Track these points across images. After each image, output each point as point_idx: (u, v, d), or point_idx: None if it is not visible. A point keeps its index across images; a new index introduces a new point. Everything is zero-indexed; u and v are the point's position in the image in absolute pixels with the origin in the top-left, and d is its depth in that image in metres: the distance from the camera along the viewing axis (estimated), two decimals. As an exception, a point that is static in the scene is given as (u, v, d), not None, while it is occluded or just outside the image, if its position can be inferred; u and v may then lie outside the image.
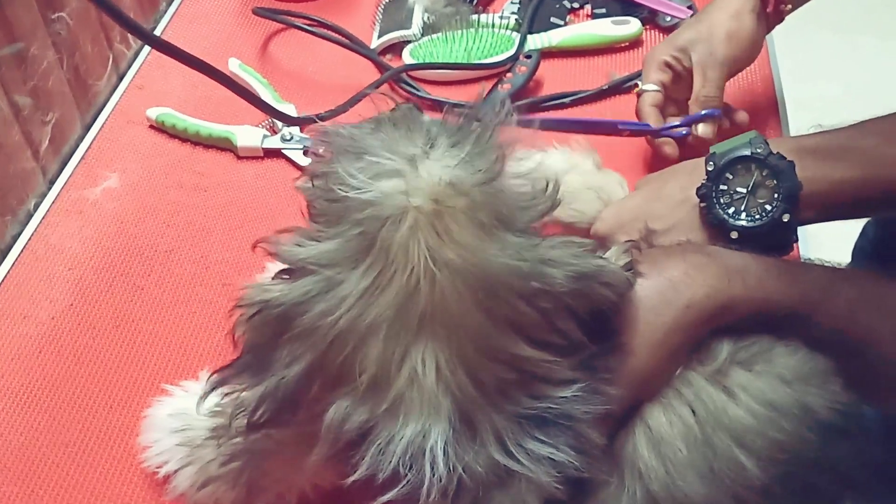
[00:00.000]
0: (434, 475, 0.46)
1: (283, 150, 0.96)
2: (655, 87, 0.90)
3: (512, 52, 1.06)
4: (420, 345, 0.47)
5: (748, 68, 0.91)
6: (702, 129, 0.87)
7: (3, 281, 0.85)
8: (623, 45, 1.10)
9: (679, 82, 0.90)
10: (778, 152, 0.67)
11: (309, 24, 1.10)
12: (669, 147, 0.88)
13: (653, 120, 0.89)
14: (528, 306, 0.48)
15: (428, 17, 1.12)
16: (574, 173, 0.80)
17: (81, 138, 1.00)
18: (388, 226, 0.46)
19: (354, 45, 1.09)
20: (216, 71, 0.83)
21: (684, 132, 0.88)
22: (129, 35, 1.10)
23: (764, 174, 0.68)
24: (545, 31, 1.10)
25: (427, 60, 1.07)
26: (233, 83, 0.85)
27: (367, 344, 0.46)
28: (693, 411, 0.55)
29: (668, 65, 0.90)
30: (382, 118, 0.54)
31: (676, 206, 0.72)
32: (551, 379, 0.49)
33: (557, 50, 1.09)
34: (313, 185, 0.52)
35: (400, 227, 0.46)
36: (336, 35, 1.10)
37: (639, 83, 0.93)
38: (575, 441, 0.49)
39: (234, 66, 1.05)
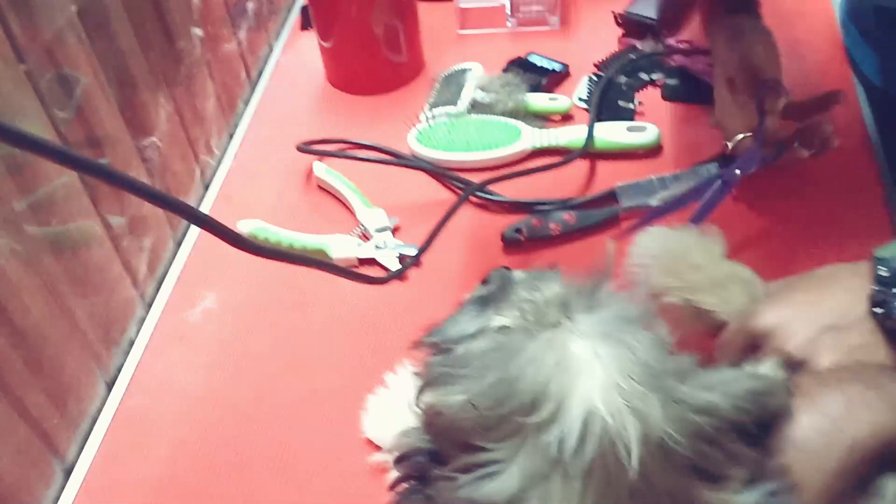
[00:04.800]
0: None
1: (377, 259, 0.95)
2: (743, 135, 0.90)
3: (518, 143, 1.05)
4: None
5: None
6: (770, 98, 0.86)
7: (113, 418, 0.85)
8: (638, 152, 1.04)
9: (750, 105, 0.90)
10: None
11: (350, 149, 1.09)
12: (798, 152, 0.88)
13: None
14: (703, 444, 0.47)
15: (483, 97, 1.11)
16: (710, 259, 0.75)
17: (174, 256, 1.00)
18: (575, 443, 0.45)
19: (399, 161, 1.06)
20: (263, 248, 0.69)
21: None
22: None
23: None
24: (614, 118, 1.07)
25: (428, 146, 1.06)
26: (303, 259, 0.75)
27: None
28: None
29: (733, 109, 0.91)
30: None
31: (850, 306, 0.66)
32: None
33: (564, 149, 1.04)
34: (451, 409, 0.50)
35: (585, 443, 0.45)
36: (380, 154, 1.08)
37: (727, 143, 0.92)
38: None
39: (320, 171, 1.05)
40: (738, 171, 0.85)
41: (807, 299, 0.69)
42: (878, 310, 0.64)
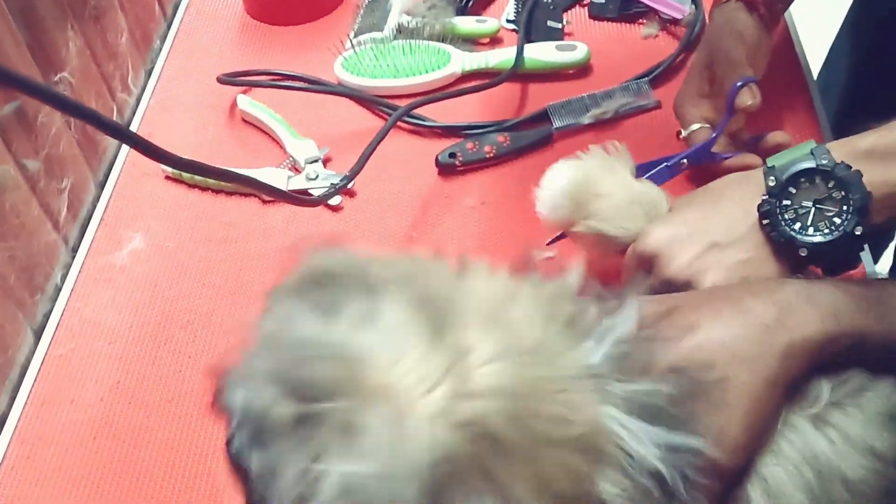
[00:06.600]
0: None
1: (309, 191, 0.93)
2: (699, 125, 0.86)
3: (447, 67, 1.03)
4: None
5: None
6: (744, 98, 0.80)
7: (42, 364, 0.82)
8: (568, 71, 1.04)
9: (718, 98, 0.86)
10: (842, 162, 0.63)
11: (275, 80, 1.06)
12: (750, 158, 0.83)
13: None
14: None
15: (409, 21, 1.08)
16: (615, 184, 0.75)
17: (97, 198, 0.96)
18: None
19: (326, 88, 1.04)
20: (207, 167, 0.65)
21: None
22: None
23: (830, 186, 0.64)
24: (542, 38, 1.05)
25: (355, 73, 1.04)
26: (229, 174, 0.72)
27: None
28: (805, 458, 0.53)
29: (699, 94, 0.86)
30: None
31: (736, 220, 0.67)
32: None
33: (494, 71, 1.03)
34: None
35: None
36: (304, 83, 1.05)
37: (682, 131, 0.88)
38: None
39: (245, 104, 1.02)
40: (685, 161, 0.82)
41: (694, 217, 0.69)
42: (765, 220, 0.65)
